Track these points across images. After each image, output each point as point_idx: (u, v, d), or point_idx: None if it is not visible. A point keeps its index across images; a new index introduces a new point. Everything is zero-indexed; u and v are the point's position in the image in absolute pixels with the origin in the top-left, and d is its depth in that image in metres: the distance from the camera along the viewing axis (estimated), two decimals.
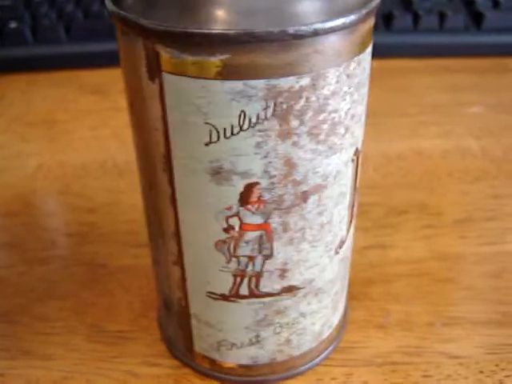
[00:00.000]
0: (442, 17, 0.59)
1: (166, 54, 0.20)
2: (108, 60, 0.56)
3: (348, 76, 0.21)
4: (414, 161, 0.45)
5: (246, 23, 0.19)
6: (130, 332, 0.31)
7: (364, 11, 0.20)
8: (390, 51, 0.59)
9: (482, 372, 0.29)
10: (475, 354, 0.30)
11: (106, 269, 0.35)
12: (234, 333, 0.27)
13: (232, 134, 0.21)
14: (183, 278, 0.26)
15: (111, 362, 0.30)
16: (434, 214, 0.39)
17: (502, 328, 0.31)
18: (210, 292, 0.26)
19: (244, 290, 0.25)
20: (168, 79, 0.20)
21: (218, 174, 0.22)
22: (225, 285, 0.25)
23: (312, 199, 0.23)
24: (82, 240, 0.38)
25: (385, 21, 0.60)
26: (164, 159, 0.23)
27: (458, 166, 0.44)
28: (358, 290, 0.34)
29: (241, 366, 0.28)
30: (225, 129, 0.21)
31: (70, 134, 0.49)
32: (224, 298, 0.26)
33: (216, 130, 0.21)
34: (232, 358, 0.28)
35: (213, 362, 0.29)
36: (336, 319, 0.30)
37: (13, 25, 0.58)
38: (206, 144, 0.21)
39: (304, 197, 0.23)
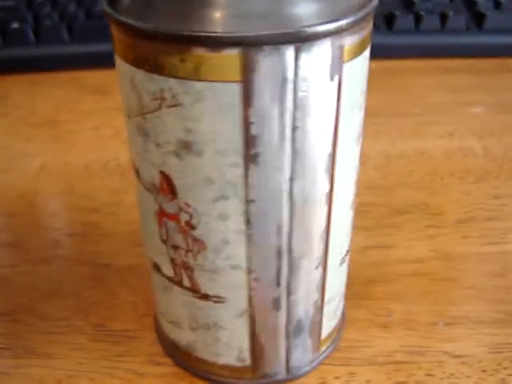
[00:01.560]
0: (443, 17, 0.59)
1: (350, 42, 0.21)
2: (110, 60, 0.56)
3: None
4: (415, 161, 0.45)
5: (250, 24, 0.19)
6: (134, 331, 0.31)
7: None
8: (392, 52, 0.59)
9: (484, 371, 0.29)
10: (478, 353, 0.30)
11: (110, 268, 0.36)
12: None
13: None
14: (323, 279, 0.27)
15: (115, 361, 0.30)
16: (436, 214, 0.39)
17: (505, 327, 0.31)
18: (343, 257, 0.28)
19: None
20: (347, 68, 0.21)
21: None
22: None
23: None
24: (85, 240, 0.38)
25: (386, 21, 0.60)
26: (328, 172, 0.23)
27: (460, 166, 0.44)
28: (361, 289, 0.34)
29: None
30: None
31: (73, 134, 0.49)
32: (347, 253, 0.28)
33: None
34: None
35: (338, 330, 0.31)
36: None
37: (15, 25, 0.58)
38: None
39: None
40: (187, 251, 0.25)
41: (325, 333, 0.29)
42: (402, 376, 0.29)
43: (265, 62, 0.20)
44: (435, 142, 0.47)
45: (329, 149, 0.23)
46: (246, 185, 0.22)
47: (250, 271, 0.25)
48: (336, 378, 0.29)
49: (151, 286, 0.29)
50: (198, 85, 0.20)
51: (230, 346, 0.28)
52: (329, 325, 0.29)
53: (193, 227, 0.24)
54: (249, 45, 0.19)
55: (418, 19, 0.59)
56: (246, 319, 0.26)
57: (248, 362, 0.28)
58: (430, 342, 0.31)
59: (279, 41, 0.19)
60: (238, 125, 0.21)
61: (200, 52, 0.19)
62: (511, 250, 0.36)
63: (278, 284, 0.25)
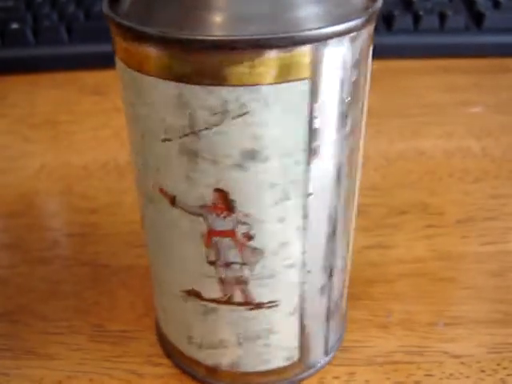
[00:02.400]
0: (442, 17, 0.59)
1: (370, 33, 0.22)
2: (109, 61, 0.56)
3: None
4: (414, 161, 0.45)
5: (247, 26, 0.19)
6: (133, 331, 0.31)
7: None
8: (391, 52, 0.59)
9: (483, 371, 0.29)
10: (477, 353, 0.30)
11: (109, 269, 0.36)
12: None
13: None
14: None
15: (114, 362, 0.30)
16: (435, 214, 0.39)
17: (504, 327, 0.31)
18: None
19: None
20: (371, 52, 0.23)
21: None
22: None
23: None
24: (84, 240, 0.38)
25: (385, 21, 0.60)
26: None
27: (459, 166, 0.44)
28: (360, 289, 0.34)
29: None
30: None
31: (72, 134, 0.49)
32: None
33: None
34: None
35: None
36: None
37: (14, 26, 0.58)
38: None
39: None
40: (242, 264, 0.24)
41: (345, 309, 0.30)
42: (401, 376, 0.29)
43: (329, 56, 0.20)
44: (434, 142, 0.47)
45: (363, 133, 0.24)
46: (307, 180, 0.23)
47: (303, 266, 0.25)
48: (335, 378, 0.29)
49: (170, 315, 0.28)
50: (269, 88, 0.20)
51: (280, 347, 0.28)
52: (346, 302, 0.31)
53: (251, 237, 0.23)
54: (318, 40, 0.19)
55: (417, 19, 0.59)
56: (296, 316, 0.27)
57: (296, 358, 0.28)
58: (429, 342, 0.31)
59: (341, 34, 0.20)
60: (304, 121, 0.21)
61: (273, 55, 0.19)
62: (510, 250, 0.36)
63: (325, 270, 0.26)
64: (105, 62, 0.57)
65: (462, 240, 0.37)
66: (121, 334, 0.31)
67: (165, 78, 0.20)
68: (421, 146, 0.47)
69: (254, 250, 0.24)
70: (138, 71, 0.21)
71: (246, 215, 0.23)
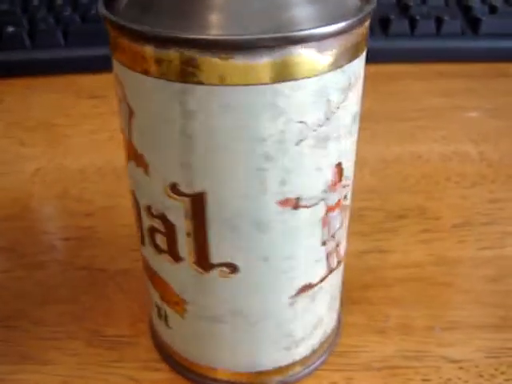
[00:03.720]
0: (438, 22, 0.59)
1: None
2: (105, 64, 0.56)
3: None
4: (411, 165, 0.45)
5: (244, 26, 0.19)
6: (129, 336, 0.31)
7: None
8: (387, 56, 0.59)
9: (481, 376, 0.29)
10: (475, 358, 0.30)
11: (105, 273, 0.35)
12: None
13: None
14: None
15: (111, 367, 0.30)
16: (432, 219, 0.39)
17: (501, 332, 0.31)
18: None
19: None
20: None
21: None
22: None
23: None
24: (80, 244, 0.38)
25: (382, 26, 0.60)
26: None
27: (456, 171, 0.44)
28: (357, 294, 0.34)
29: None
30: None
31: (68, 138, 0.49)
32: None
33: None
34: None
35: None
36: None
37: (10, 29, 0.58)
38: None
39: None
40: (340, 226, 0.25)
41: None
42: (399, 381, 0.29)
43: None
44: (431, 146, 0.47)
45: None
46: None
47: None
48: (332, 383, 0.29)
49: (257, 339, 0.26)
50: (363, 54, 0.22)
51: (339, 295, 0.29)
52: None
53: (346, 196, 0.24)
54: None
55: (413, 23, 0.60)
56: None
57: (338, 320, 0.31)
58: (426, 347, 0.31)
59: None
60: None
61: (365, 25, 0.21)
62: (507, 254, 0.36)
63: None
64: (101, 65, 0.57)
65: (458, 244, 0.37)
66: (117, 339, 0.31)
67: (305, 77, 0.20)
68: (418, 150, 0.47)
69: (346, 207, 0.24)
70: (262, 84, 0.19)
71: (347, 177, 0.23)
